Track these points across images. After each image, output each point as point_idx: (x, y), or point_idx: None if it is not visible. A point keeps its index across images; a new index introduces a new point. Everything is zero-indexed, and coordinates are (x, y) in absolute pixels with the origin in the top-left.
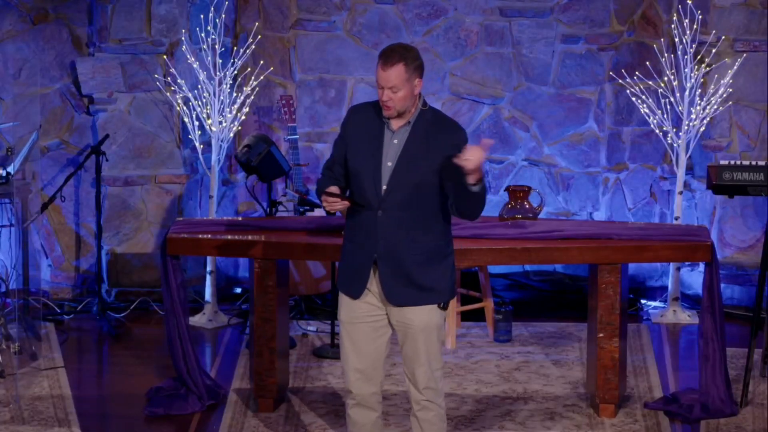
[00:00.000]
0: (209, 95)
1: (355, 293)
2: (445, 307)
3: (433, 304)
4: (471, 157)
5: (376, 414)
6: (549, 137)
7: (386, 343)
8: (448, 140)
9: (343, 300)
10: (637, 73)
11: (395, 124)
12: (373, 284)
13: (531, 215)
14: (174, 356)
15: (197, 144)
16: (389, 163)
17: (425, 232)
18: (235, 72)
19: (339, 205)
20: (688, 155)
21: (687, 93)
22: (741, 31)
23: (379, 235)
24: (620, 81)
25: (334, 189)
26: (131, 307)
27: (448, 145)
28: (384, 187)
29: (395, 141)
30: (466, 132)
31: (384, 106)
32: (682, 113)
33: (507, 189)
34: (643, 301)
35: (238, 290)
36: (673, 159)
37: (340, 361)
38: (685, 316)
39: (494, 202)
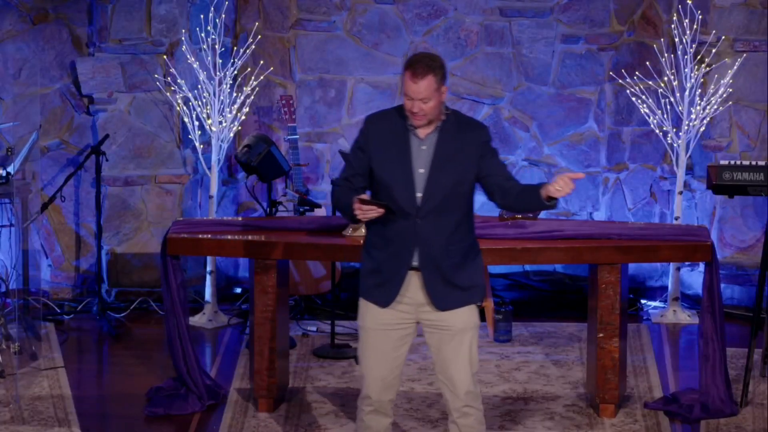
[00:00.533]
0: (209, 95)
1: (385, 302)
2: (480, 305)
3: (473, 304)
4: (561, 189)
5: (390, 420)
6: (549, 137)
7: (407, 351)
8: (476, 139)
9: (368, 307)
10: (637, 73)
11: (423, 131)
12: (408, 292)
13: (531, 215)
14: (174, 356)
15: (197, 144)
16: (421, 170)
17: (460, 233)
18: (235, 72)
19: (374, 213)
20: (688, 155)
21: (687, 93)
22: (741, 31)
23: (418, 243)
24: (620, 81)
25: (365, 196)
26: (131, 307)
27: (476, 144)
28: (419, 195)
29: (423, 147)
30: (487, 127)
31: (414, 116)
32: (682, 113)
33: None
34: (643, 301)
35: (238, 290)
36: (673, 159)
37: (360, 367)
38: (685, 316)
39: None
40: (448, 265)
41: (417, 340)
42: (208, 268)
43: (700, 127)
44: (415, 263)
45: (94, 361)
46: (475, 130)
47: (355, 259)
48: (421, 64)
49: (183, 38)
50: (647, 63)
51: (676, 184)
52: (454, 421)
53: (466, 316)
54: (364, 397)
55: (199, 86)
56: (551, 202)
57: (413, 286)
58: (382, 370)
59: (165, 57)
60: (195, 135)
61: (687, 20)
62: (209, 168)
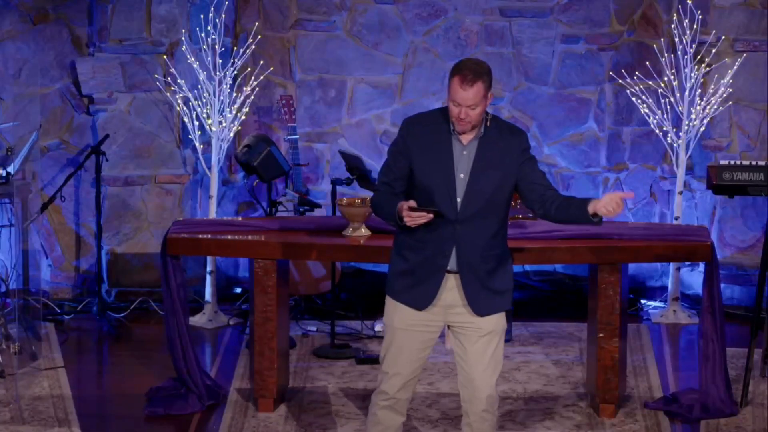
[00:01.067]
0: (209, 95)
1: (422, 305)
2: (510, 309)
3: (506, 309)
4: (611, 209)
5: (403, 419)
6: (549, 137)
7: (430, 352)
8: (516, 147)
9: (398, 307)
10: (637, 73)
11: (466, 137)
12: (443, 295)
13: (531, 215)
14: (174, 356)
15: (197, 144)
16: (461, 175)
17: (496, 239)
18: (235, 72)
19: (424, 219)
20: (688, 155)
21: (687, 93)
22: (741, 31)
23: (458, 248)
24: (620, 81)
25: (413, 203)
26: (131, 307)
27: (517, 151)
28: (459, 200)
29: (465, 153)
30: (526, 132)
31: (460, 123)
32: (682, 113)
33: None
34: (643, 301)
35: (238, 290)
36: (673, 159)
37: (382, 364)
38: (685, 316)
39: None
40: (484, 270)
41: None
42: (208, 268)
43: (700, 127)
44: (451, 267)
45: (94, 361)
46: (515, 136)
47: (355, 259)
48: (470, 70)
49: (183, 38)
50: (647, 63)
51: (676, 184)
52: (469, 423)
53: (495, 319)
54: (381, 392)
55: (199, 86)
56: (596, 219)
57: (447, 289)
58: (405, 370)
59: (165, 57)
60: (195, 135)
61: (687, 20)
62: (209, 168)
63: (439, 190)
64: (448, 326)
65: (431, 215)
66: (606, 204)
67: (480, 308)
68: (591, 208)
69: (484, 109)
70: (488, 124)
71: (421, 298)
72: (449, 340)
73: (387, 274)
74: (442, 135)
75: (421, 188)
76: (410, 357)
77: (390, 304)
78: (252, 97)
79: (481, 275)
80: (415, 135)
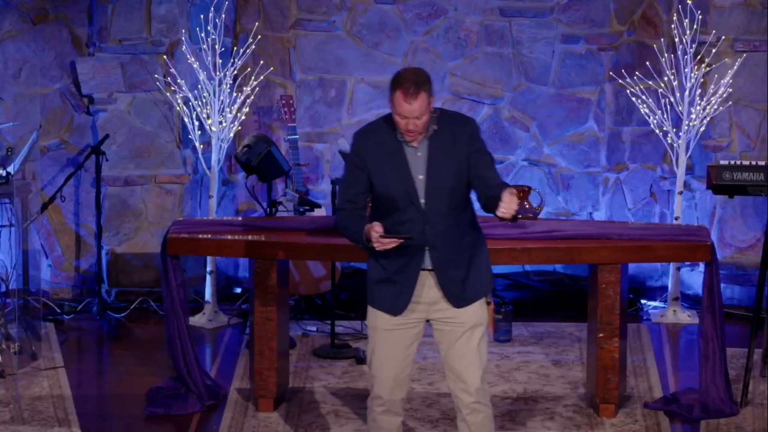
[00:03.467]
0: (209, 95)
1: (399, 310)
2: (489, 302)
3: (482, 298)
4: (506, 210)
5: (401, 419)
6: (549, 137)
7: (417, 349)
8: (464, 136)
9: (380, 313)
10: (637, 73)
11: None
12: (422, 293)
13: (531, 215)
14: (174, 356)
15: (197, 144)
16: (420, 177)
17: (465, 231)
18: (235, 72)
19: (393, 244)
20: (688, 155)
21: (687, 93)
22: (741, 31)
23: (429, 248)
24: (620, 81)
25: (379, 228)
26: (131, 307)
27: (465, 140)
28: (423, 201)
29: (419, 154)
30: (474, 119)
31: (408, 134)
32: (682, 113)
33: None
34: (643, 301)
35: (238, 290)
36: (673, 159)
37: (370, 368)
38: (685, 316)
39: None
40: (460, 260)
41: (420, 340)
42: (208, 268)
43: (700, 127)
44: (427, 265)
45: (94, 361)
46: (462, 126)
47: (355, 259)
48: (411, 82)
49: (183, 38)
50: (647, 63)
51: (676, 184)
52: (463, 419)
53: (477, 312)
54: (375, 397)
55: (199, 86)
56: (506, 220)
57: (426, 287)
58: (394, 370)
59: (165, 57)
60: (195, 135)
61: (687, 20)
62: (209, 168)
63: (401, 196)
64: (428, 320)
65: (401, 240)
66: (503, 210)
67: (458, 300)
68: (498, 212)
69: (429, 116)
70: (435, 123)
71: (400, 302)
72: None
73: (366, 283)
74: (393, 142)
75: (383, 197)
76: (396, 356)
77: (371, 310)
78: (252, 97)
79: (458, 267)
80: (368, 147)
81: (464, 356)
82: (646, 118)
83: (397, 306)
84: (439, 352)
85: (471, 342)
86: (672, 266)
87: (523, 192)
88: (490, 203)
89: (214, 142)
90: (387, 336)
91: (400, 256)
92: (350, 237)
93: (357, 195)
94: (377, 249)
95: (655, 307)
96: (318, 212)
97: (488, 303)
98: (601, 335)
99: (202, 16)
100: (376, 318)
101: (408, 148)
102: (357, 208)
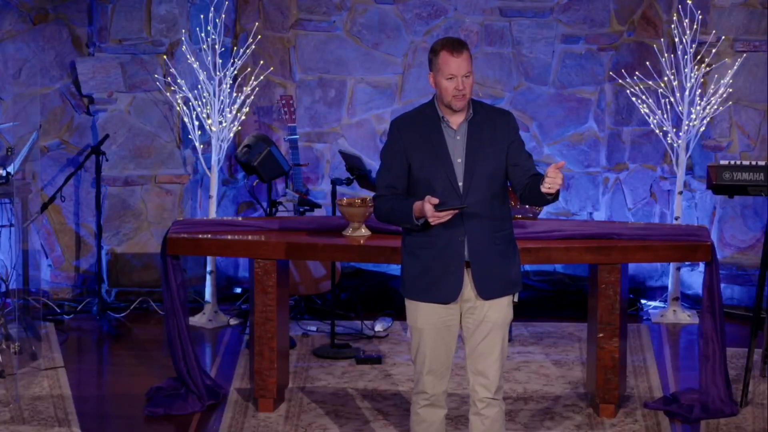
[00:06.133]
0: (209, 95)
1: (450, 297)
2: (515, 301)
3: (510, 295)
4: (552, 183)
5: (444, 411)
6: (549, 137)
7: (456, 343)
8: (505, 126)
9: (419, 307)
10: (637, 73)
11: (455, 121)
12: (462, 288)
13: (531, 215)
14: (174, 356)
15: (197, 144)
16: (459, 160)
17: (501, 221)
18: (235, 72)
19: (449, 216)
20: (688, 155)
21: (687, 93)
22: (741, 31)
23: (468, 234)
24: (620, 81)
25: (435, 200)
26: (131, 307)
27: (506, 130)
28: (461, 184)
29: (458, 138)
30: (513, 114)
31: (459, 95)
32: (682, 113)
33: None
34: (643, 301)
35: (238, 290)
36: (673, 159)
37: (415, 364)
38: (685, 316)
39: None
40: (494, 253)
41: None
42: (208, 268)
43: (700, 127)
44: (467, 256)
45: (94, 361)
46: (503, 116)
47: (355, 259)
48: (454, 41)
49: (183, 38)
50: (647, 63)
51: (676, 184)
52: (478, 412)
53: (505, 310)
54: (420, 392)
55: (199, 86)
56: (550, 197)
57: (468, 278)
58: (435, 365)
59: (165, 57)
60: (195, 135)
61: (687, 20)
62: (209, 168)
63: (440, 179)
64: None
65: (456, 211)
66: (548, 184)
67: (485, 292)
68: (543, 187)
69: (473, 81)
70: (472, 109)
71: (447, 292)
72: None
73: (401, 278)
74: (432, 125)
75: (421, 181)
76: (439, 351)
77: (411, 305)
78: (252, 97)
79: (492, 259)
80: (407, 131)
81: (491, 354)
82: (646, 118)
83: (446, 296)
84: (464, 346)
85: (496, 340)
86: (672, 266)
87: None
88: (530, 187)
89: (214, 142)
90: (429, 335)
91: (436, 243)
92: (397, 217)
93: (397, 179)
94: (434, 223)
95: (655, 307)
96: (318, 212)
97: (515, 302)
98: (601, 335)
99: (202, 16)
100: (416, 316)
101: (447, 131)
102: (397, 194)
